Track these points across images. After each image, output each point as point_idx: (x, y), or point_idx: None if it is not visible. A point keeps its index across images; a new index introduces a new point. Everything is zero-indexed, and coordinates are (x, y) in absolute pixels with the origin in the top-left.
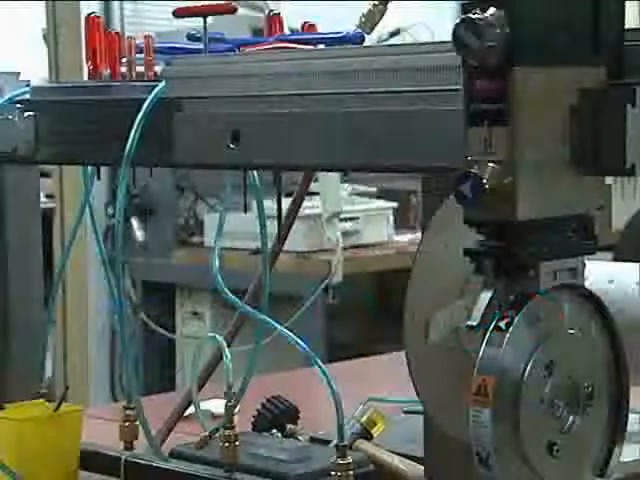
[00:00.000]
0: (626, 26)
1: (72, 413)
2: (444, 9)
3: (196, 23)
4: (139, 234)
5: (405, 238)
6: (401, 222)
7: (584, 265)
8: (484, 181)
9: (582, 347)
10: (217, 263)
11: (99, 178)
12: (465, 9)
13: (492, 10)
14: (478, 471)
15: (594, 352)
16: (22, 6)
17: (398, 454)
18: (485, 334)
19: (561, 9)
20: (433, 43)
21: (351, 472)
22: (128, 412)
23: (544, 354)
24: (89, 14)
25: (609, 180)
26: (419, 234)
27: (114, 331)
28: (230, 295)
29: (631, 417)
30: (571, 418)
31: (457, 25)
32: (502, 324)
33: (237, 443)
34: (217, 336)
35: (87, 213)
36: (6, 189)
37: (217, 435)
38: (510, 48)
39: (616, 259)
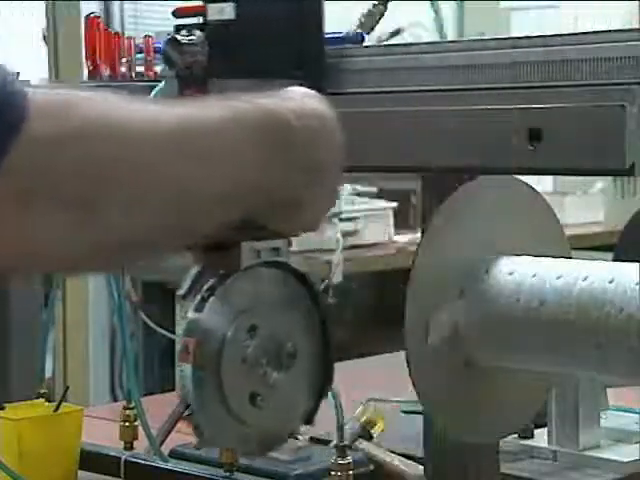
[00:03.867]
0: (627, 26)
1: (72, 413)
2: (444, 9)
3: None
4: None
5: (405, 238)
6: (401, 222)
7: (289, 244)
8: None
9: (284, 313)
10: None
11: None
12: (176, 30)
13: (198, 33)
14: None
15: (297, 317)
16: (22, 6)
17: (398, 454)
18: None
19: (263, 29)
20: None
21: (351, 472)
22: (128, 412)
23: (246, 320)
24: (89, 14)
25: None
26: (419, 234)
27: (114, 331)
28: None
29: (631, 417)
30: (275, 374)
31: (165, 43)
32: (205, 294)
33: None
34: None
35: None
36: None
37: None
38: (209, 63)
39: (616, 259)
